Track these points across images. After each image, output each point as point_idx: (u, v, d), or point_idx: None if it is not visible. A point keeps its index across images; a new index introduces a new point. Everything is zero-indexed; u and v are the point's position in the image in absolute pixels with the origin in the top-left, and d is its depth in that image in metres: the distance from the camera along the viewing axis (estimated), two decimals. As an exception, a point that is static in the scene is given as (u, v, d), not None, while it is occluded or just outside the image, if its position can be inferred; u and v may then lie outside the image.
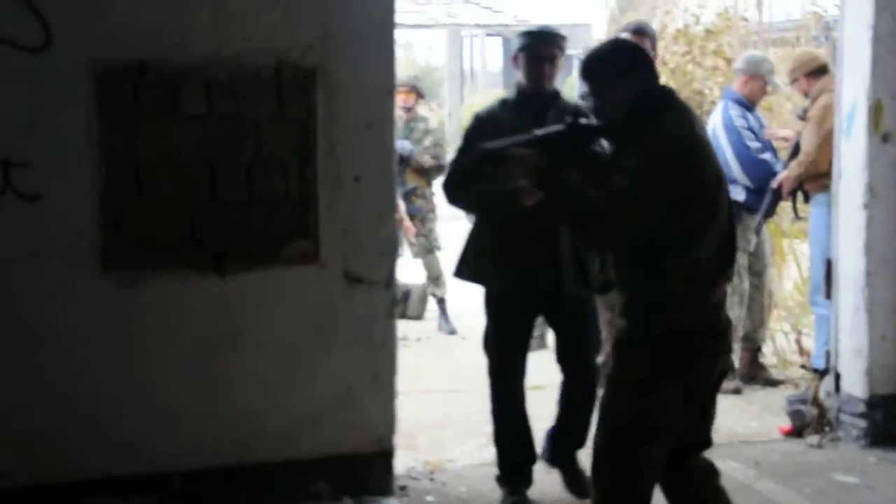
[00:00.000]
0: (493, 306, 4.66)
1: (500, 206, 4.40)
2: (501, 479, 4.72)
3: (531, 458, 4.75)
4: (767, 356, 6.92)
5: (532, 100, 4.54)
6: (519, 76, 4.65)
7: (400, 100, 6.88)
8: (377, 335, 4.69)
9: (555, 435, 4.84)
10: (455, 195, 4.61)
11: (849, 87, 5.72)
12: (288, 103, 4.46)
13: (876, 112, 5.57)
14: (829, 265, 5.97)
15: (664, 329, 3.39)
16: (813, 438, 5.72)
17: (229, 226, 4.46)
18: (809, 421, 5.82)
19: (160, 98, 4.34)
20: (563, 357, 4.75)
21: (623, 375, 3.46)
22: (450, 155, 7.97)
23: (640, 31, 5.64)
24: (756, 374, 6.67)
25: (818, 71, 6.59)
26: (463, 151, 4.58)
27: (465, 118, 24.00)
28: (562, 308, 4.64)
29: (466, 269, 4.65)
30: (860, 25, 5.61)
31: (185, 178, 4.40)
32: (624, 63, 3.51)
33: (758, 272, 6.71)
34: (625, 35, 5.52)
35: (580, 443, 4.77)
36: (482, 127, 4.52)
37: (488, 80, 31.40)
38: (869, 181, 5.55)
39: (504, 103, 4.69)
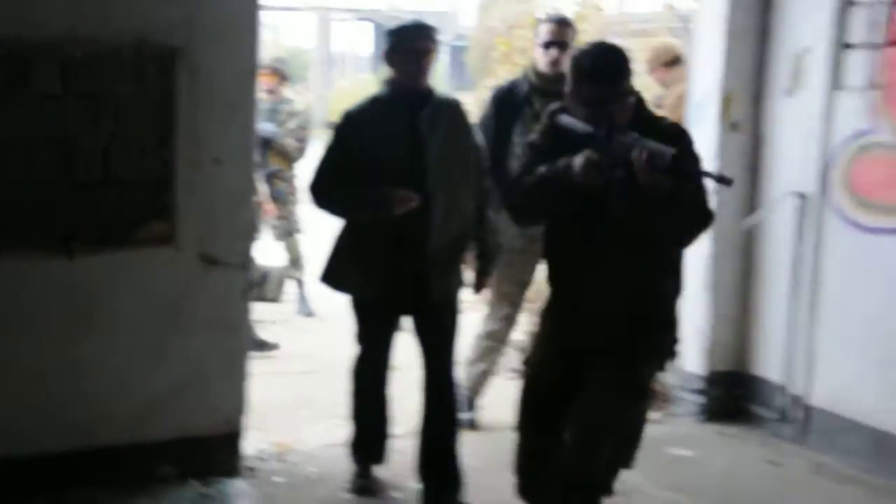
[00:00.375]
0: (360, 310, 4.50)
1: (371, 214, 4.24)
2: (354, 455, 4.68)
3: (385, 436, 4.70)
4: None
5: (406, 97, 4.30)
6: (391, 72, 4.37)
7: (263, 82, 6.76)
8: (231, 317, 4.65)
9: (432, 473, 4.51)
10: (323, 200, 4.35)
11: (702, 77, 5.90)
12: (148, 83, 4.34)
13: (726, 102, 5.76)
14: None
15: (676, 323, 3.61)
16: (655, 415, 5.84)
17: (82, 206, 4.32)
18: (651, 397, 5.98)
19: (11, 75, 4.17)
20: (429, 383, 4.51)
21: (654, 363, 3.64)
22: (316, 139, 7.94)
23: (565, 21, 5.49)
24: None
25: (673, 62, 6.74)
26: (332, 150, 4.35)
27: (333, 101, 23.88)
28: (428, 317, 4.45)
29: (333, 277, 4.46)
30: (715, 19, 5.79)
31: (37, 158, 4.26)
32: (630, 65, 3.47)
33: None
34: (548, 26, 5.39)
35: (459, 480, 4.50)
36: (353, 125, 4.32)
37: (357, 65, 31.33)
38: (718, 168, 5.65)
39: (376, 100, 4.38)
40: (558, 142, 3.42)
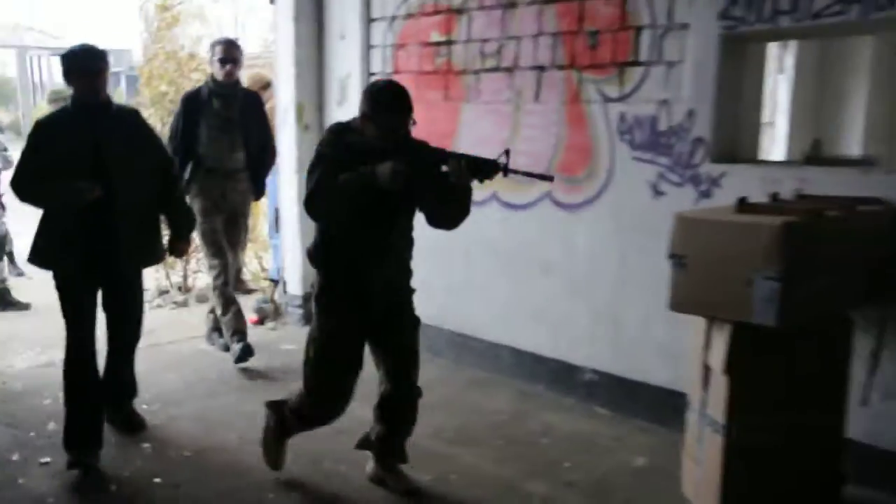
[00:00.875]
0: (64, 286, 3.79)
1: (62, 203, 3.70)
2: (69, 445, 3.74)
3: (99, 427, 3.84)
4: (247, 274, 7.04)
5: (87, 107, 3.76)
6: (72, 89, 3.82)
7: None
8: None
9: (111, 392, 4.06)
10: (24, 194, 3.75)
11: (283, 94, 6.04)
12: None
13: (299, 110, 5.95)
14: (277, 212, 6.36)
15: None
16: (271, 324, 6.06)
17: None
18: (269, 313, 6.17)
19: None
20: (116, 333, 3.99)
21: None
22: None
23: (235, 43, 5.16)
24: (239, 287, 6.74)
25: (266, 85, 6.88)
26: (26, 153, 3.76)
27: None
28: (120, 286, 3.93)
29: (38, 257, 3.82)
30: (287, 54, 5.96)
31: None
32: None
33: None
34: (222, 46, 5.06)
35: (135, 391, 4.22)
36: (42, 132, 3.78)
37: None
38: (298, 157, 5.92)
39: (62, 111, 3.89)
40: (346, 153, 3.11)
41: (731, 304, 3.03)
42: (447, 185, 3.09)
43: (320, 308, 3.35)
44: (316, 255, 3.35)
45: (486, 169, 3.07)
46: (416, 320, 3.48)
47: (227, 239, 5.19)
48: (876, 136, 6.32)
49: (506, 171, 3.05)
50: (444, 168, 3.10)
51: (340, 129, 3.25)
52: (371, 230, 3.20)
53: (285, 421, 3.56)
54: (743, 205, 3.21)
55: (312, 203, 3.11)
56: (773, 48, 6.93)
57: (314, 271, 5.95)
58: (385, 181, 3.01)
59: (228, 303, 5.16)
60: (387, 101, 3.14)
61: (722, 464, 3.18)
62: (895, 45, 6.25)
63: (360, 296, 3.28)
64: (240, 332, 5.15)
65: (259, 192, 5.44)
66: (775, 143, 7.44)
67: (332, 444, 3.98)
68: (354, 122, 3.22)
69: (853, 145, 6.44)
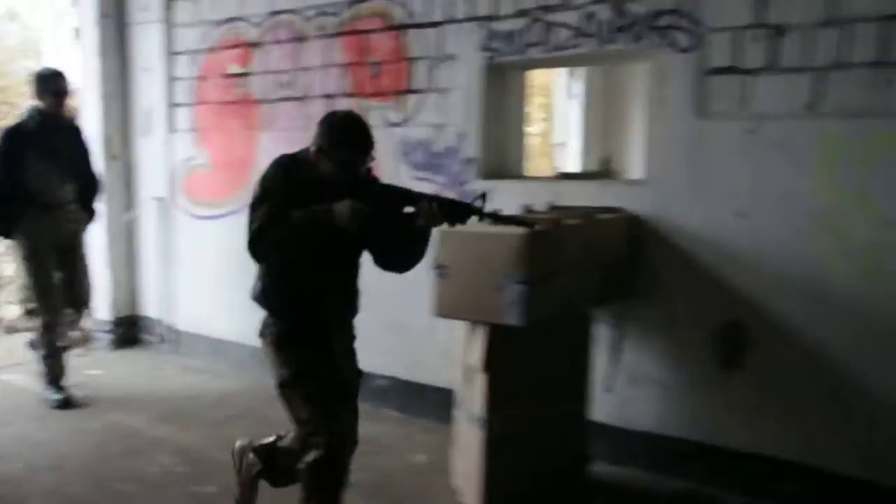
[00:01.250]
0: None
1: None
2: None
3: None
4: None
5: None
6: None
7: None
8: None
9: None
10: None
11: (91, 125, 5.75)
12: None
13: (107, 141, 5.79)
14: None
15: None
16: (81, 351, 5.73)
17: None
18: (78, 340, 5.87)
19: None
20: None
21: None
22: None
23: (63, 75, 4.64)
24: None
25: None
26: None
27: None
28: None
29: None
30: (94, 87, 5.81)
31: None
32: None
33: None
34: (54, 79, 4.57)
35: None
36: None
37: None
38: (107, 187, 5.69)
39: None
40: (296, 188, 2.66)
41: (486, 307, 3.15)
42: (411, 228, 2.70)
43: (285, 349, 2.87)
44: (267, 299, 2.86)
45: (460, 212, 2.67)
46: (360, 373, 3.11)
47: (69, 271, 4.78)
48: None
49: (482, 214, 2.66)
50: (409, 209, 2.71)
51: (287, 162, 2.76)
52: (325, 271, 2.81)
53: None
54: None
55: (257, 242, 2.65)
56: (562, 75, 7.33)
57: (125, 296, 5.74)
58: (343, 220, 2.60)
59: (53, 349, 4.73)
60: (345, 136, 2.69)
61: (482, 454, 3.28)
62: (657, 74, 6.73)
63: (322, 334, 2.88)
64: (59, 378, 4.75)
65: (91, 217, 5.00)
66: (569, 162, 7.81)
67: (121, 465, 3.84)
68: (302, 154, 2.74)
69: (638, 162, 6.83)
